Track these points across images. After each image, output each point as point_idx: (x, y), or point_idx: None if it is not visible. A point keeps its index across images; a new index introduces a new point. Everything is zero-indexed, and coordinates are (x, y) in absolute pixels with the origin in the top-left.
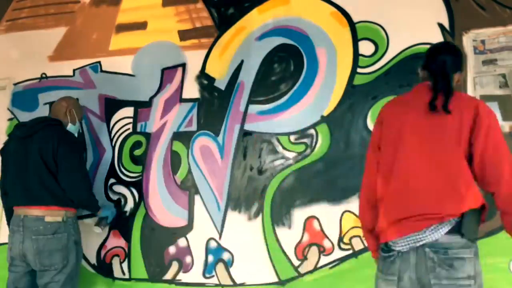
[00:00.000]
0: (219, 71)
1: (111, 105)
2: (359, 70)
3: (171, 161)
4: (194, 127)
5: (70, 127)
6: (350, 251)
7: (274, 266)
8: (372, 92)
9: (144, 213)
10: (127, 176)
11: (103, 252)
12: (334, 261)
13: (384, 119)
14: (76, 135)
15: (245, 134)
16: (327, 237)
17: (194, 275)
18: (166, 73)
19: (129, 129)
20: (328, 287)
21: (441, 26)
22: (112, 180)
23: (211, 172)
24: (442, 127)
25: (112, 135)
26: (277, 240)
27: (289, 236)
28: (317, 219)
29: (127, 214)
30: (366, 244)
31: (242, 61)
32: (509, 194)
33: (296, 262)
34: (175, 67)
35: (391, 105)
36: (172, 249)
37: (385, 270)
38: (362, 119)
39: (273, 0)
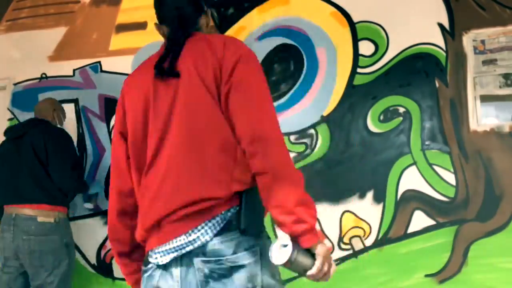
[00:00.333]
0: None
1: (111, 105)
2: (359, 70)
3: None
4: None
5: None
6: (350, 251)
7: None
8: (372, 92)
9: None
10: None
11: (103, 252)
12: (334, 261)
13: (125, 102)
14: None
15: None
16: (327, 237)
17: None
18: None
19: None
20: (328, 287)
21: (441, 26)
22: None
23: None
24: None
25: (112, 135)
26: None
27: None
28: (317, 219)
29: None
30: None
31: None
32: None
33: None
34: None
35: (129, 82)
36: None
37: None
38: (362, 119)
39: (273, 0)
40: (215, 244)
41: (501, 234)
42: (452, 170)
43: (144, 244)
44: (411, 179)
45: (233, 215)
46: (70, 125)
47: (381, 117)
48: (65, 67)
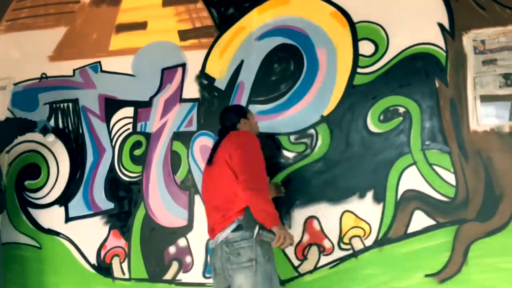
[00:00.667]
0: (219, 71)
1: (111, 105)
2: (359, 70)
3: (171, 161)
4: (194, 127)
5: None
6: (350, 251)
7: None
8: (372, 92)
9: (144, 213)
10: (127, 176)
11: (103, 252)
12: (334, 261)
13: None
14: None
15: None
16: (327, 237)
17: (194, 275)
18: (166, 73)
19: (129, 129)
20: (328, 287)
21: (441, 26)
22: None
23: None
24: (214, 175)
25: (112, 135)
26: None
27: None
28: (317, 219)
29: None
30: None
31: (242, 61)
32: (241, 183)
33: (296, 262)
34: (175, 67)
35: None
36: (172, 249)
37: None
38: (362, 119)
39: (273, 0)
40: (231, 236)
41: (501, 234)
42: (452, 170)
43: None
44: (411, 179)
45: (240, 222)
46: (70, 125)
47: (381, 117)
48: (65, 67)
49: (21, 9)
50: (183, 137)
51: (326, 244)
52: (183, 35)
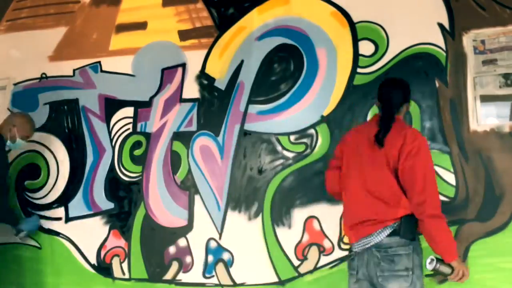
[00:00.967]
0: (219, 71)
1: (111, 105)
2: (359, 70)
3: (171, 161)
4: (194, 127)
5: (8, 143)
6: None
7: (274, 266)
8: (372, 92)
9: (144, 213)
10: (127, 176)
11: (103, 252)
12: (334, 261)
13: (345, 144)
14: (14, 150)
15: (245, 134)
16: (327, 237)
17: (194, 275)
18: (166, 73)
19: (129, 129)
20: (328, 287)
21: (441, 26)
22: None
23: (211, 172)
24: (378, 156)
25: (112, 135)
26: (277, 240)
27: (289, 236)
28: (317, 219)
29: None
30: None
31: (242, 61)
32: (418, 205)
33: (296, 262)
34: (175, 67)
35: (352, 133)
36: (172, 249)
37: (348, 267)
38: (362, 119)
39: (273, 0)
40: (386, 241)
41: (501, 234)
42: (452, 170)
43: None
44: None
45: (397, 226)
46: (70, 125)
47: None
48: (65, 67)
49: (21, 9)
50: (183, 137)
51: (326, 244)
52: (183, 35)
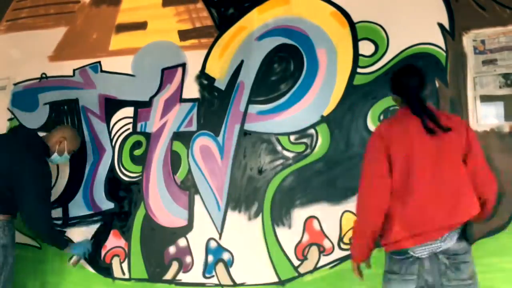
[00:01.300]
0: (219, 71)
1: (111, 105)
2: (359, 70)
3: (171, 161)
4: (194, 127)
5: (55, 156)
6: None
7: (274, 266)
8: (372, 92)
9: (144, 213)
10: (127, 176)
11: (103, 252)
12: (334, 261)
13: (391, 141)
14: (57, 163)
15: (245, 134)
16: (327, 237)
17: (194, 275)
18: (166, 73)
19: (129, 129)
20: (328, 287)
21: (441, 26)
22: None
23: (211, 172)
24: (447, 146)
25: (112, 135)
26: (277, 240)
27: (289, 236)
28: (317, 219)
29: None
30: (357, 249)
31: (242, 61)
32: (494, 201)
33: (296, 262)
34: (175, 67)
35: (393, 127)
36: (172, 249)
37: (403, 271)
38: (362, 119)
39: (273, 0)
40: (454, 247)
41: (501, 234)
42: None
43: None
44: None
45: (462, 230)
46: (70, 125)
47: (381, 117)
48: (65, 67)
49: (21, 9)
50: (183, 137)
51: (326, 244)
52: (183, 35)
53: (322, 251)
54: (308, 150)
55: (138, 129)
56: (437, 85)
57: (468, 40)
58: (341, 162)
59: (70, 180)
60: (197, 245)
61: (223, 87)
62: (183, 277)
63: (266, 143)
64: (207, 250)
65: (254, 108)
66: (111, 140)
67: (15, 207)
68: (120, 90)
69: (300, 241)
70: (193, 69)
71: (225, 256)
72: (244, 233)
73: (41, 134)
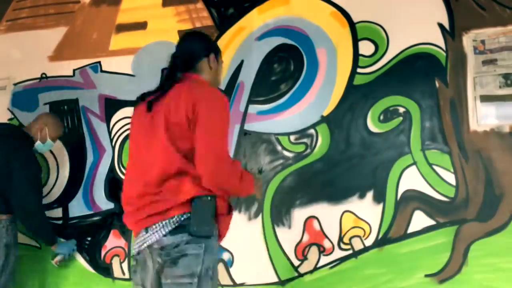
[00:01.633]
0: None
1: (111, 105)
2: (359, 70)
3: None
4: None
5: (38, 144)
6: (350, 251)
7: (274, 266)
8: (372, 92)
9: None
10: None
11: (103, 252)
12: (334, 261)
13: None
14: (44, 152)
15: (245, 134)
16: (327, 237)
17: None
18: None
19: (129, 129)
20: (328, 287)
21: (441, 26)
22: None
23: None
24: (154, 124)
25: (112, 135)
26: (277, 240)
27: (289, 236)
28: (317, 219)
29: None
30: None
31: (242, 61)
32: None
33: (296, 262)
34: None
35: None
36: None
37: (133, 280)
38: (362, 119)
39: (273, 0)
40: (169, 239)
41: (501, 234)
42: (452, 170)
43: None
44: (411, 179)
45: (184, 219)
46: (70, 125)
47: (381, 117)
48: (65, 67)
49: (21, 9)
50: None
51: (326, 244)
52: None
53: (322, 251)
54: (308, 150)
55: None
56: (437, 85)
57: (468, 40)
58: (341, 162)
59: (70, 180)
60: None
61: (223, 87)
62: None
63: (266, 143)
64: None
65: (254, 108)
66: (111, 140)
67: None
68: (120, 90)
69: (300, 241)
70: None
71: (225, 256)
72: (244, 233)
73: None
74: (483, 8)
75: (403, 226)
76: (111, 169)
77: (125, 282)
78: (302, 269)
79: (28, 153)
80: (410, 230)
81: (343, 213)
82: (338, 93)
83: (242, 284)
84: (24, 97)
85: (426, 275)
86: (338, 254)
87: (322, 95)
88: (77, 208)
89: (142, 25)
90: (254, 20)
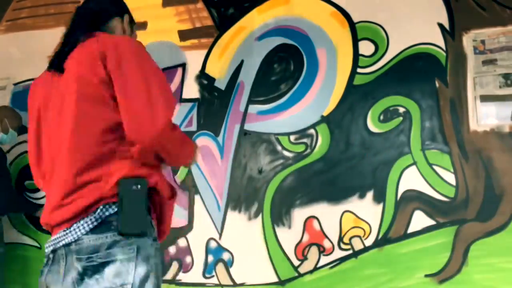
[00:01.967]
0: (219, 71)
1: None
2: (359, 70)
3: None
4: (194, 127)
5: (1, 136)
6: (350, 251)
7: (274, 266)
8: (372, 92)
9: None
10: None
11: None
12: (334, 261)
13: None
14: (9, 143)
15: (245, 134)
16: (327, 237)
17: (194, 275)
18: (166, 73)
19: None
20: (328, 287)
21: (441, 26)
22: None
23: (211, 172)
24: (59, 96)
25: None
26: (277, 240)
27: (289, 236)
28: (317, 219)
29: None
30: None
31: (242, 61)
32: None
33: (296, 262)
34: (175, 67)
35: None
36: (172, 249)
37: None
38: (362, 119)
39: (273, 0)
40: (90, 240)
41: (501, 234)
42: (452, 170)
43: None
44: (411, 179)
45: (110, 214)
46: None
47: (381, 117)
48: None
49: (21, 9)
50: None
51: (326, 244)
52: (183, 35)
53: (322, 251)
54: (308, 150)
55: None
56: (437, 85)
57: (468, 40)
58: (341, 162)
59: None
60: (197, 245)
61: (223, 87)
62: (183, 277)
63: (266, 143)
64: (207, 250)
65: (254, 108)
66: None
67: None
68: None
69: (300, 241)
70: (193, 69)
71: (225, 256)
72: (244, 233)
73: None
74: (483, 8)
75: (403, 226)
76: None
77: None
78: (302, 269)
79: None
80: (410, 230)
81: (343, 213)
82: (338, 93)
83: (242, 284)
84: (24, 97)
85: (426, 275)
86: (338, 254)
87: (322, 95)
88: None
89: (142, 25)
90: (254, 20)
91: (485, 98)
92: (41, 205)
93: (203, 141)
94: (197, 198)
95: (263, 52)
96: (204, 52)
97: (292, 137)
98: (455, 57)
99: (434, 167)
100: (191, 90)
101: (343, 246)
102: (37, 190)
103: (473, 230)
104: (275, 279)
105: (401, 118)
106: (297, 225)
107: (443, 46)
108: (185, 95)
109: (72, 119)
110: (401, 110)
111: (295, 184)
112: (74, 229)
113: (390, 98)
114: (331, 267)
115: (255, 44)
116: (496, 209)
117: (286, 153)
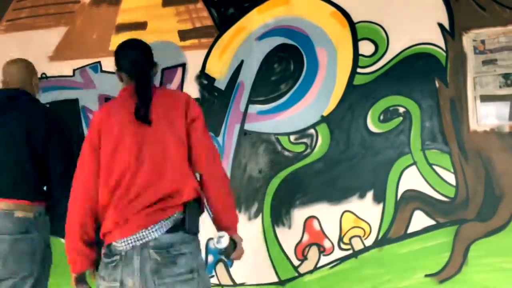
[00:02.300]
0: (219, 71)
1: None
2: (359, 70)
3: None
4: None
5: None
6: (350, 251)
7: (274, 266)
8: (372, 92)
9: None
10: None
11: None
12: (334, 261)
13: (101, 128)
14: None
15: (245, 134)
16: (327, 237)
17: None
18: (166, 73)
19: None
20: (328, 287)
21: (441, 26)
22: None
23: None
24: (151, 133)
25: None
26: (277, 240)
27: (289, 236)
28: (317, 219)
29: None
30: (73, 263)
31: (242, 61)
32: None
33: (296, 262)
34: (175, 67)
35: (103, 114)
36: None
37: (107, 277)
38: (362, 119)
39: (273, 0)
40: (167, 238)
41: (501, 234)
42: (452, 170)
43: (104, 233)
44: (411, 179)
45: (180, 218)
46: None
47: (381, 117)
48: (65, 67)
49: (21, 9)
50: None
51: (326, 244)
52: (183, 35)
53: (322, 251)
54: (308, 150)
55: None
56: (437, 85)
57: (468, 40)
58: (341, 162)
59: None
60: None
61: (223, 87)
62: None
63: (266, 143)
64: (207, 250)
65: (254, 108)
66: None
67: None
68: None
69: (300, 241)
70: (193, 69)
71: None
72: (244, 233)
73: None
74: (483, 8)
75: (403, 226)
76: None
77: None
78: (302, 269)
79: None
80: (410, 230)
81: (343, 213)
82: (338, 93)
83: (242, 284)
84: None
85: (426, 275)
86: (338, 254)
87: (322, 95)
88: None
89: (142, 25)
90: (254, 20)
91: (485, 98)
92: None
93: None
94: None
95: (263, 52)
96: (204, 52)
97: (292, 137)
98: (455, 57)
99: (434, 167)
100: (191, 90)
101: (343, 246)
102: None
103: (473, 230)
104: (275, 279)
105: (401, 118)
106: (297, 225)
107: (443, 46)
108: None
109: (175, 161)
110: (401, 110)
111: (295, 184)
112: (156, 230)
113: (390, 98)
114: (331, 267)
115: (255, 44)
116: (496, 209)
117: (286, 153)
